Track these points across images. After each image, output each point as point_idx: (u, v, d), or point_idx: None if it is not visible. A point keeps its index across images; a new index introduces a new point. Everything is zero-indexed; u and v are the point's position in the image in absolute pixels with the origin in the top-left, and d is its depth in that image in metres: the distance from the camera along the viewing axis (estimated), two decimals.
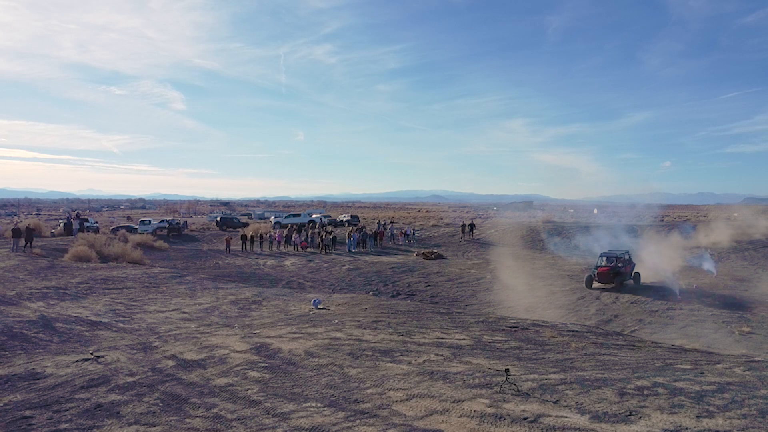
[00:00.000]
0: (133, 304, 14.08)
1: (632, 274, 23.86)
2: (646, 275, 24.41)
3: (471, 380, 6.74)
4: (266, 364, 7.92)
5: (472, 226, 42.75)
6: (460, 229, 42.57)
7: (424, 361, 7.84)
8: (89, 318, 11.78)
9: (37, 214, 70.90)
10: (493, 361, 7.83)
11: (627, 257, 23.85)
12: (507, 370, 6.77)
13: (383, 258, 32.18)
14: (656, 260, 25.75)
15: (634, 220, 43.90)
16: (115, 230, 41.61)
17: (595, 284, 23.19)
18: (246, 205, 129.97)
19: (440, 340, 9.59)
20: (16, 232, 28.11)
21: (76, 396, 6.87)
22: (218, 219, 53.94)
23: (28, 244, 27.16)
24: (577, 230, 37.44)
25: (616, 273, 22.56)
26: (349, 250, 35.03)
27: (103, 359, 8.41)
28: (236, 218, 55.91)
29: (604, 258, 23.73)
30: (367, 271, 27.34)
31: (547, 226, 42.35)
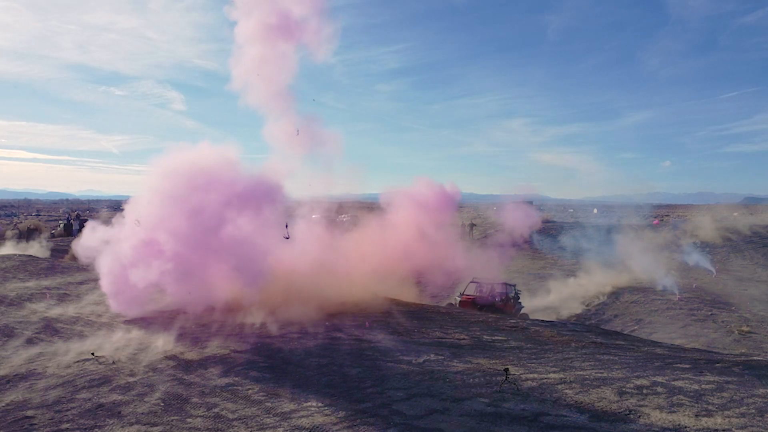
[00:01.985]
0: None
1: (514, 312, 18.03)
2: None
3: (471, 380, 6.76)
4: (266, 364, 7.94)
5: (472, 225, 42.71)
6: (461, 229, 42.52)
7: (425, 361, 7.86)
8: (90, 318, 11.80)
9: (36, 215, 70.85)
10: (493, 361, 7.85)
11: (512, 293, 18.60)
12: (507, 370, 6.80)
13: None
14: (646, 259, 25.19)
15: (629, 219, 43.93)
16: None
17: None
18: None
19: (440, 340, 9.61)
20: (17, 233, 28.14)
21: (78, 396, 6.89)
22: None
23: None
24: (576, 230, 37.42)
25: (485, 306, 17.15)
26: None
27: (104, 359, 8.43)
28: None
29: (475, 286, 18.30)
30: None
31: (547, 225, 42.32)
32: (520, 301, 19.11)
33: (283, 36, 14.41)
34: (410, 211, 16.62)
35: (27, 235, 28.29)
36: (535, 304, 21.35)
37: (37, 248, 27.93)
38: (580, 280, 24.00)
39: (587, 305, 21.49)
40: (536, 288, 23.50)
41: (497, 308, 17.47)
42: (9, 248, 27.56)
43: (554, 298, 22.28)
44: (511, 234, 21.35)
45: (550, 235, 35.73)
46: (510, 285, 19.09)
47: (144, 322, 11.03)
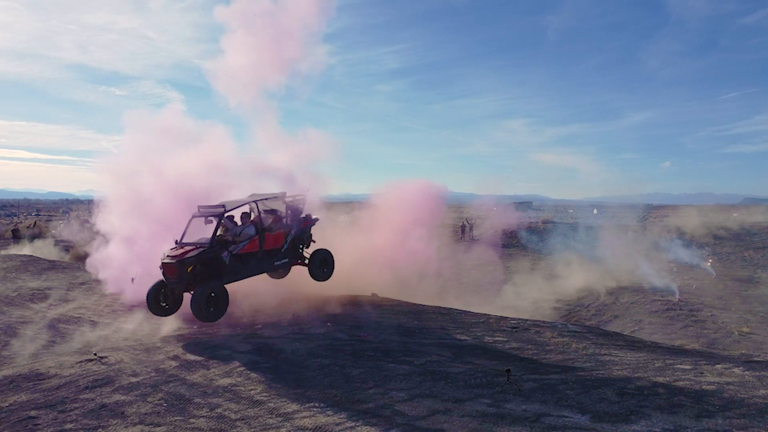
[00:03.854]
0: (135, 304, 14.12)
1: (297, 247, 11.62)
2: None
3: (472, 380, 6.80)
4: (269, 365, 7.97)
5: (471, 226, 42.77)
6: (460, 229, 42.62)
7: (426, 362, 7.89)
8: (92, 318, 11.83)
9: (36, 215, 70.85)
10: (495, 362, 7.89)
11: (286, 231, 11.22)
12: (508, 371, 6.84)
13: None
14: (642, 260, 25.04)
15: (628, 220, 44.04)
16: None
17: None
18: None
19: (442, 341, 9.65)
20: (16, 233, 28.18)
21: (81, 396, 6.92)
22: None
23: None
24: (572, 230, 37.48)
25: (200, 274, 9.78)
26: None
27: (106, 359, 8.47)
28: None
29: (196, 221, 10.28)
30: None
31: (542, 226, 42.42)
32: (303, 253, 11.79)
33: (270, 69, 14.93)
34: (389, 207, 16.77)
35: (29, 235, 28.32)
36: (518, 304, 21.32)
37: (50, 249, 27.98)
38: (568, 280, 23.98)
39: (578, 307, 21.45)
40: (517, 287, 23.49)
41: (241, 258, 10.27)
42: (18, 248, 27.57)
43: (536, 296, 22.26)
44: (485, 232, 21.22)
45: (545, 235, 35.77)
46: (292, 210, 11.46)
47: (146, 322, 11.06)
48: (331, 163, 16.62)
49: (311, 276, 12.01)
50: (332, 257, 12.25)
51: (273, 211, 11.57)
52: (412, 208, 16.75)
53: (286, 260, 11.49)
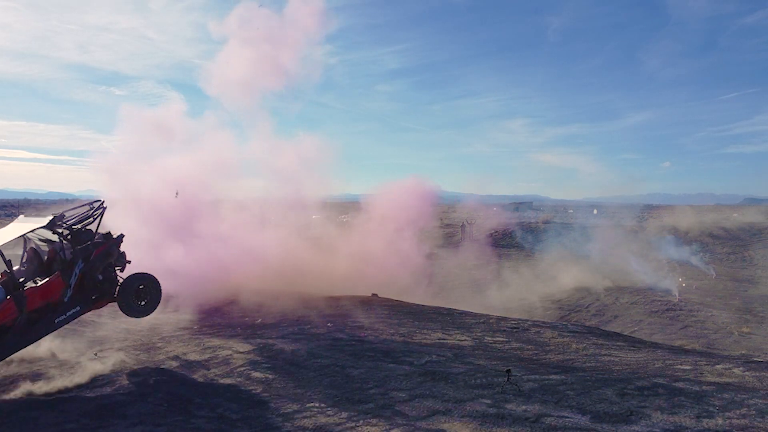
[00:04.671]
0: None
1: (95, 282, 7.97)
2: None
3: (473, 381, 6.80)
4: (269, 365, 7.97)
5: (471, 225, 42.77)
6: (460, 229, 42.64)
7: (426, 362, 7.90)
8: (91, 318, 11.83)
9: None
10: (495, 362, 7.89)
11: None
12: (509, 371, 6.84)
13: None
14: (640, 260, 25.09)
15: (628, 221, 44.12)
16: None
17: None
18: None
19: (442, 341, 9.65)
20: None
21: (81, 396, 6.92)
22: None
23: None
24: (574, 230, 37.46)
25: None
26: None
27: (106, 360, 8.46)
28: None
29: None
30: None
31: (546, 226, 42.43)
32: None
33: (264, 80, 15.06)
34: (383, 209, 16.85)
35: None
36: (517, 304, 21.33)
37: None
38: (566, 279, 24.00)
39: (577, 308, 21.47)
40: (517, 287, 23.50)
41: None
42: None
43: (535, 297, 22.28)
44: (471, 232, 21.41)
45: (544, 235, 35.75)
46: (76, 235, 7.96)
47: (146, 322, 11.05)
48: (327, 166, 16.72)
49: (124, 312, 8.56)
50: (155, 283, 8.66)
51: (50, 243, 8.15)
52: (403, 208, 16.84)
53: (78, 309, 7.96)
